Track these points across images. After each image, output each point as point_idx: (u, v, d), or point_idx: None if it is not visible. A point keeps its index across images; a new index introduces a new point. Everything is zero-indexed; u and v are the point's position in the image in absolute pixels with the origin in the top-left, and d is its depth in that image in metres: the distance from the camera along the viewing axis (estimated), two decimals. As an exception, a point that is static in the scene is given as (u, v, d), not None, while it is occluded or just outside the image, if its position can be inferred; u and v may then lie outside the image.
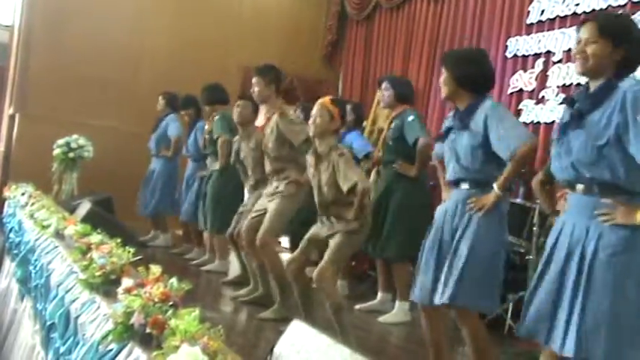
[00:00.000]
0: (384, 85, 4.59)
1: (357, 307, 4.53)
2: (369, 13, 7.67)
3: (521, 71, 5.44)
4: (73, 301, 2.23)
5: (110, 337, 1.68)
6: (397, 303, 4.36)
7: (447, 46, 6.30)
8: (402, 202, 4.36)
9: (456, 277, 2.68)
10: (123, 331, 1.64)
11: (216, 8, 7.65)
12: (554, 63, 5.13)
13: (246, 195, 4.85)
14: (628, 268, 2.11)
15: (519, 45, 5.49)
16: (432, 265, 2.81)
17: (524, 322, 2.33)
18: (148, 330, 1.59)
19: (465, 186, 2.82)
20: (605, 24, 2.22)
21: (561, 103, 2.42)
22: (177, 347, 1.40)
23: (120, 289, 1.88)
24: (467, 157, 2.78)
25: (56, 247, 3.11)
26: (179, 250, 6.14)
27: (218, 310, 4.25)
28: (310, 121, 3.53)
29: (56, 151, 6.56)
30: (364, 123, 5.71)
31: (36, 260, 3.20)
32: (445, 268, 2.74)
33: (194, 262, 5.68)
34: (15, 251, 3.94)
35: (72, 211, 4.95)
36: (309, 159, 3.60)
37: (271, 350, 1.59)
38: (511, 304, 4.07)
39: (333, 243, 3.41)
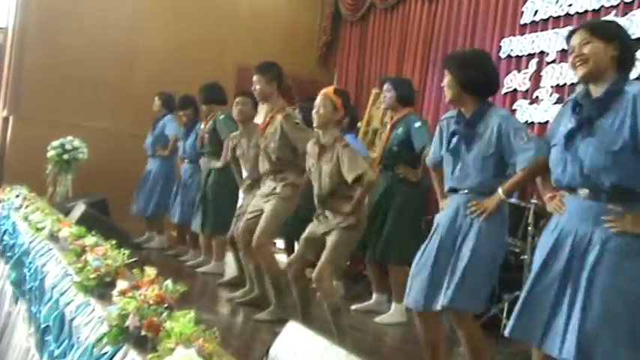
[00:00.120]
0: (386, 86, 4.56)
1: (353, 307, 4.53)
2: (363, 14, 7.66)
3: (515, 71, 5.44)
4: (68, 303, 2.22)
5: (105, 340, 1.67)
6: (393, 304, 4.36)
7: (441, 47, 6.30)
8: (402, 206, 4.37)
9: (457, 280, 2.66)
10: (118, 334, 1.64)
11: (213, 8, 7.62)
12: (548, 63, 5.14)
13: (241, 196, 4.84)
14: (633, 274, 2.13)
15: (513, 45, 5.50)
16: (429, 271, 2.77)
17: (515, 323, 2.32)
18: (143, 332, 1.58)
19: (464, 191, 2.79)
20: (594, 26, 2.31)
21: (571, 108, 2.34)
22: (172, 350, 1.39)
23: (115, 292, 1.88)
24: (476, 167, 2.72)
25: (51, 249, 3.09)
26: (174, 251, 6.12)
27: (214, 311, 4.24)
28: (313, 112, 3.50)
29: (50, 153, 6.53)
30: (358, 124, 5.70)
31: (30, 263, 3.19)
32: (447, 273, 2.71)
33: (189, 263, 5.67)
34: (9, 254, 3.92)
35: (66, 213, 4.95)
36: (311, 150, 3.57)
37: (267, 352, 1.59)
38: (506, 304, 4.07)
39: (329, 241, 3.40)
